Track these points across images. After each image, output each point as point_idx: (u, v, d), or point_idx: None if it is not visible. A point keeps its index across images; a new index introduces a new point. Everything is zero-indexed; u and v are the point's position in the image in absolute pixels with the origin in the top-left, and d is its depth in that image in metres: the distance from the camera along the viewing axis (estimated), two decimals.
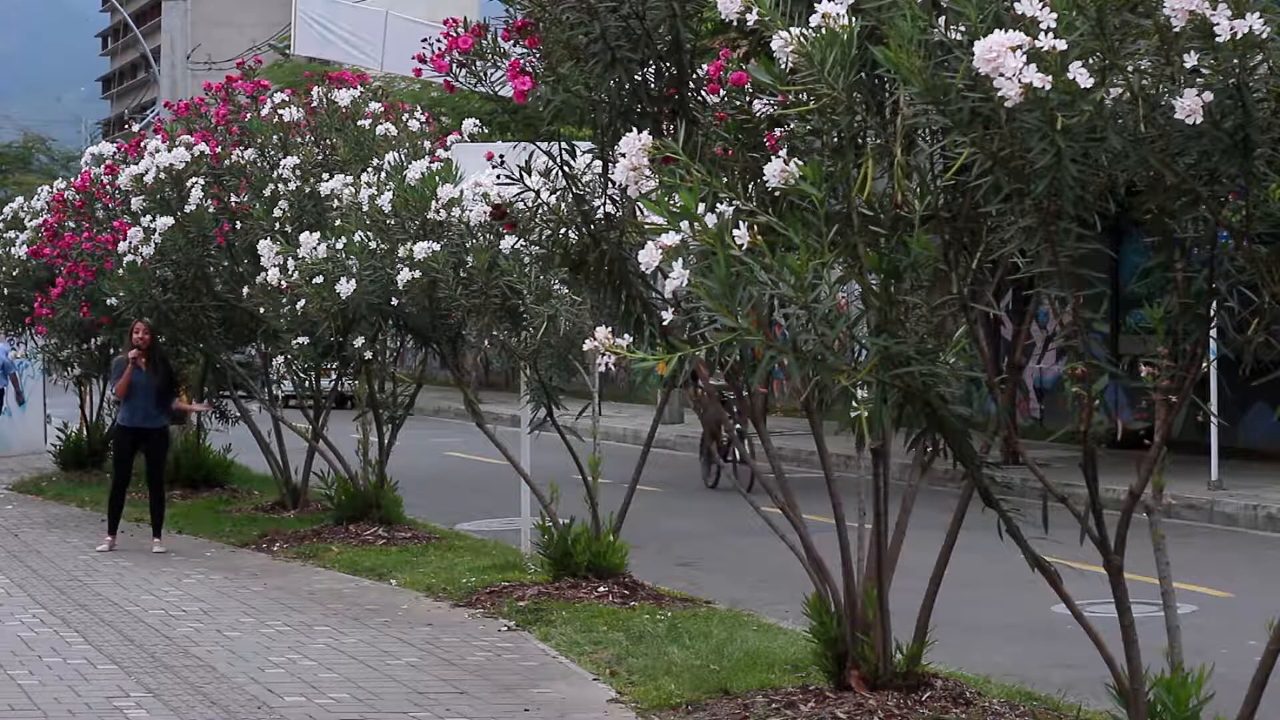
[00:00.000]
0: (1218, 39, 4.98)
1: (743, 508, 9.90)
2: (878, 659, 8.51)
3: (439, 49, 8.44)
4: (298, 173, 15.04)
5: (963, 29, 5.17)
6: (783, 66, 5.54)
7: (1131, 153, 5.31)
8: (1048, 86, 4.89)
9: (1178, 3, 4.98)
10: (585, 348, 5.46)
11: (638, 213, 6.86)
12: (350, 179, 13.64)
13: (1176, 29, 5.05)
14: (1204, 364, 6.10)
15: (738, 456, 10.04)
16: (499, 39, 8.30)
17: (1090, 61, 5.07)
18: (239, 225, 15.51)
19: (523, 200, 9.15)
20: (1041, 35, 4.91)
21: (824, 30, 5.41)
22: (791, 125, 6.42)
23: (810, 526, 8.89)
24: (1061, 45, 4.91)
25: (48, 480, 21.41)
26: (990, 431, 7.20)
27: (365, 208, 12.79)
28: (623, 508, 12.51)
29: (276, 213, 14.91)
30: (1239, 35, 4.96)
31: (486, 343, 12.71)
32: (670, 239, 5.32)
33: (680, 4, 7.68)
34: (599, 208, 8.62)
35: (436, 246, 11.65)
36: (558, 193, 8.95)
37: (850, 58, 5.45)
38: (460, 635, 10.89)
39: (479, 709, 8.97)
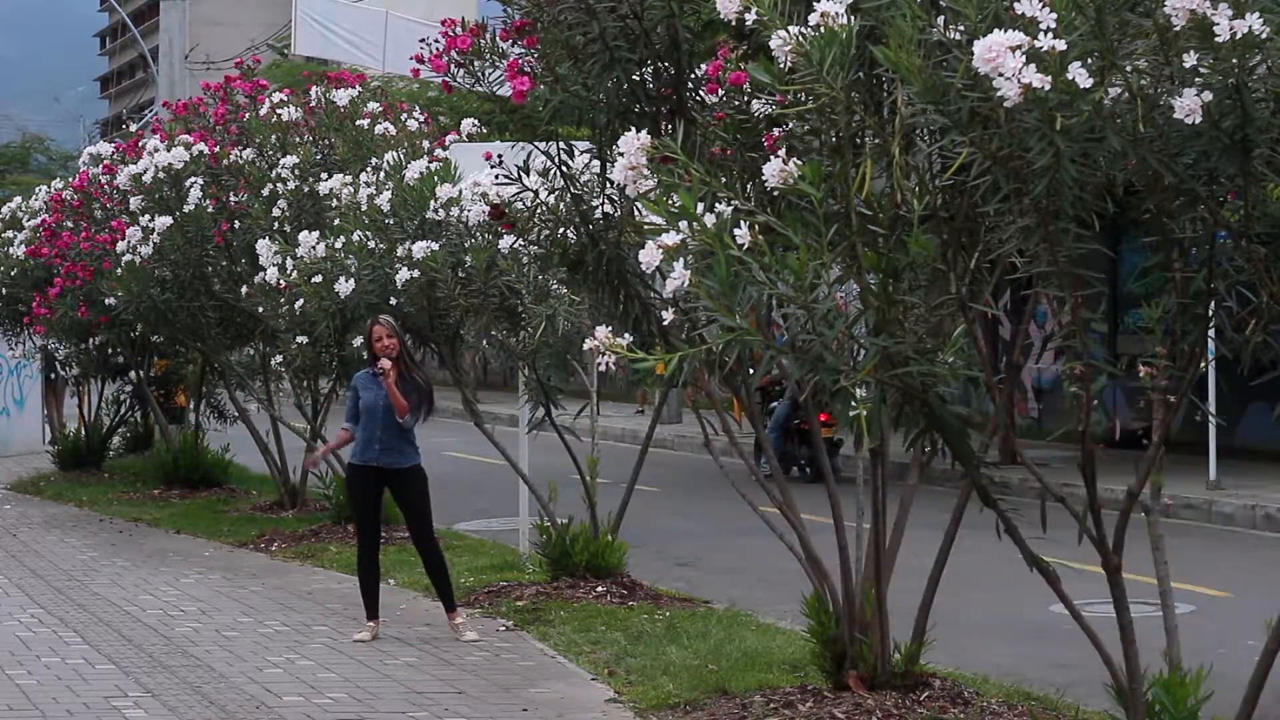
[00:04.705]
0: (1217, 39, 4.98)
1: (741, 507, 9.90)
2: (876, 659, 8.52)
3: (437, 49, 8.44)
4: (296, 172, 15.04)
5: (962, 29, 5.17)
6: (781, 66, 5.54)
7: (1130, 153, 5.31)
8: (1047, 86, 4.89)
9: (1178, 2, 4.98)
10: (585, 347, 5.47)
11: (636, 212, 6.86)
12: (349, 178, 13.64)
13: (1176, 28, 5.05)
14: (1202, 364, 6.11)
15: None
16: (497, 39, 8.30)
17: (1089, 61, 5.06)
18: (237, 225, 15.52)
19: (521, 200, 9.15)
20: (1041, 35, 4.90)
21: (822, 29, 5.41)
22: (790, 125, 6.42)
23: (809, 526, 8.89)
24: (1061, 45, 4.91)
25: (46, 480, 21.41)
26: (988, 431, 7.20)
27: (364, 207, 12.79)
28: (621, 507, 12.51)
29: (275, 212, 14.91)
30: (1238, 35, 4.96)
31: (485, 342, 12.70)
32: (670, 239, 5.32)
33: (678, 4, 7.69)
34: (597, 207, 8.62)
35: (435, 246, 11.65)
36: (556, 192, 8.96)
37: (849, 57, 5.44)
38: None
39: (477, 709, 8.97)
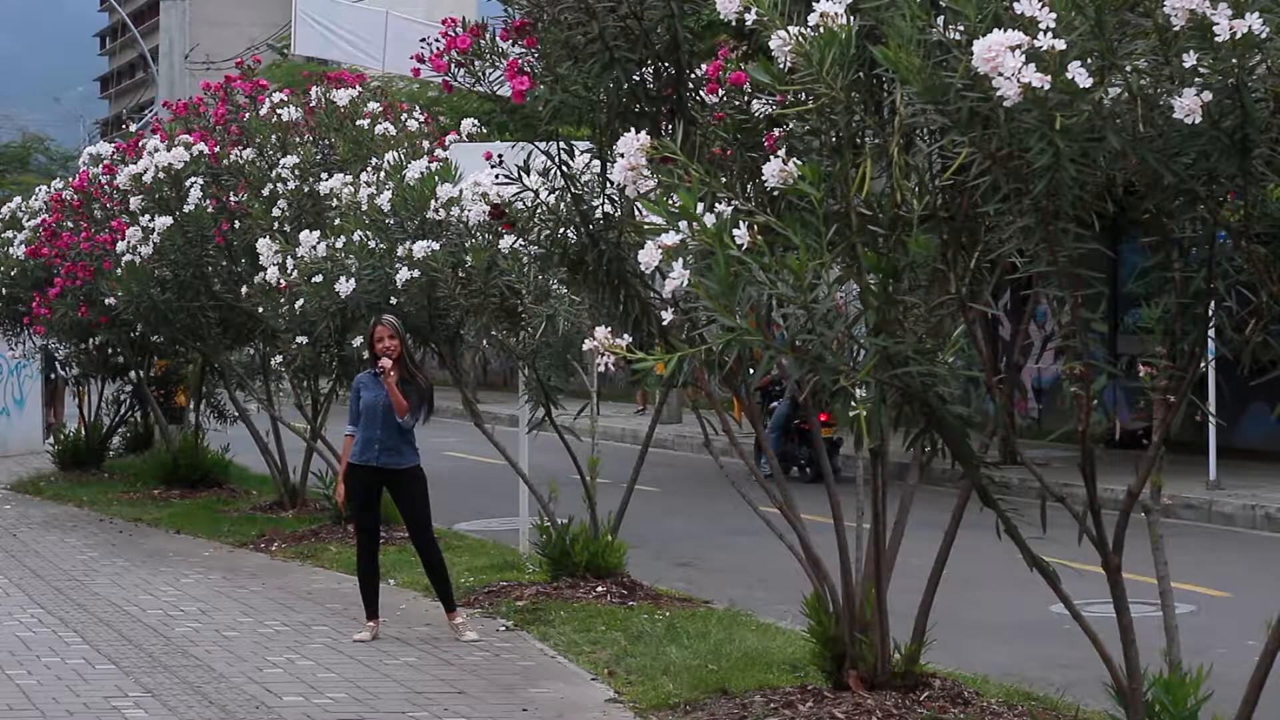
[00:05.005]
0: (1217, 39, 4.98)
1: (741, 507, 9.90)
2: (876, 659, 8.51)
3: (437, 49, 8.44)
4: (296, 172, 15.04)
5: (962, 28, 5.17)
6: (781, 66, 5.54)
7: (1130, 152, 5.31)
8: (1046, 86, 4.89)
9: (1178, 2, 4.98)
10: (585, 347, 5.47)
11: (636, 212, 6.86)
12: (349, 178, 13.64)
13: (1176, 28, 5.05)
14: (1202, 364, 6.11)
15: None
16: (497, 39, 8.30)
17: (1089, 61, 5.07)
18: (237, 225, 15.52)
19: (521, 200, 9.15)
20: (1040, 35, 4.91)
21: (822, 30, 5.41)
22: (790, 125, 6.42)
23: (809, 526, 8.89)
24: (1060, 45, 4.91)
25: (46, 480, 21.41)
26: (988, 431, 7.20)
27: (364, 207, 12.79)
28: (621, 507, 12.51)
29: (275, 212, 14.91)
30: (1238, 35, 4.96)
31: (485, 342, 12.70)
32: (670, 239, 5.32)
33: (678, 4, 7.69)
34: (597, 207, 8.62)
35: (435, 246, 11.65)
36: (556, 192, 8.96)
37: (849, 57, 5.45)
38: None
39: (477, 709, 8.97)
